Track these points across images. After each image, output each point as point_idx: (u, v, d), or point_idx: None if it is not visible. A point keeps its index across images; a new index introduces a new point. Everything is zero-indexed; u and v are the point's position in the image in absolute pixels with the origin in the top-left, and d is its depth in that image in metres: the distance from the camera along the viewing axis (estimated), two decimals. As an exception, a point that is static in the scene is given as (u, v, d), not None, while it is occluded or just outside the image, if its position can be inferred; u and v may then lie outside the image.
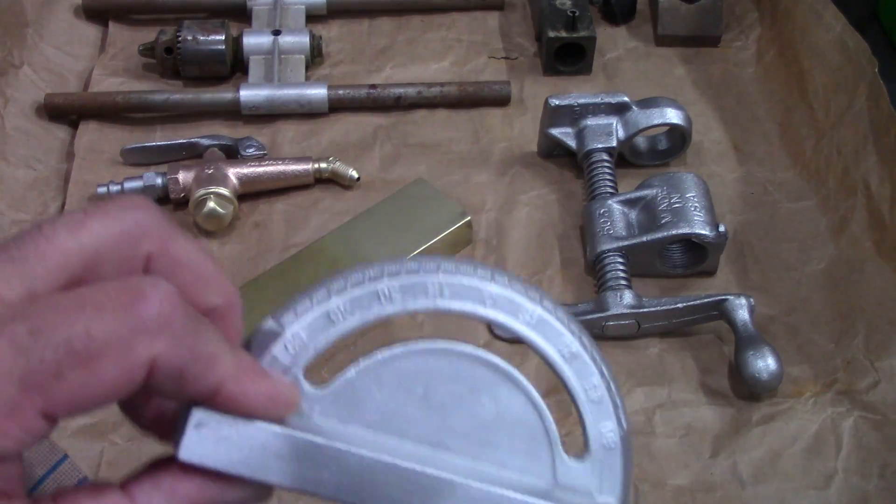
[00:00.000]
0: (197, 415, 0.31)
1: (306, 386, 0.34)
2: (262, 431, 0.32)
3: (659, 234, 0.60)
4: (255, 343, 0.34)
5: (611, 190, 0.65)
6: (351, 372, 0.34)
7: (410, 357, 0.35)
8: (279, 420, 0.32)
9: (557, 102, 0.67)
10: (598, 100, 0.67)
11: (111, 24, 0.80)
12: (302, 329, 0.34)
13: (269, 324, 0.34)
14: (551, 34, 0.75)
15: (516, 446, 0.36)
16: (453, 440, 0.36)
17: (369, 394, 0.35)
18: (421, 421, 0.35)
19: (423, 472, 0.33)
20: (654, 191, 0.62)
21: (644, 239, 0.60)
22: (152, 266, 0.30)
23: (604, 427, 0.36)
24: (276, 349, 0.34)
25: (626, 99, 0.67)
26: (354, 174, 0.68)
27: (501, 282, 0.35)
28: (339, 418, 0.35)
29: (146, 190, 0.65)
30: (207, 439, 0.31)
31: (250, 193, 0.67)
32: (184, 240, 0.31)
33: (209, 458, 0.31)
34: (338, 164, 0.68)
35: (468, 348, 0.35)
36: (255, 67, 0.75)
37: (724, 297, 0.57)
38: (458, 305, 0.34)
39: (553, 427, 0.36)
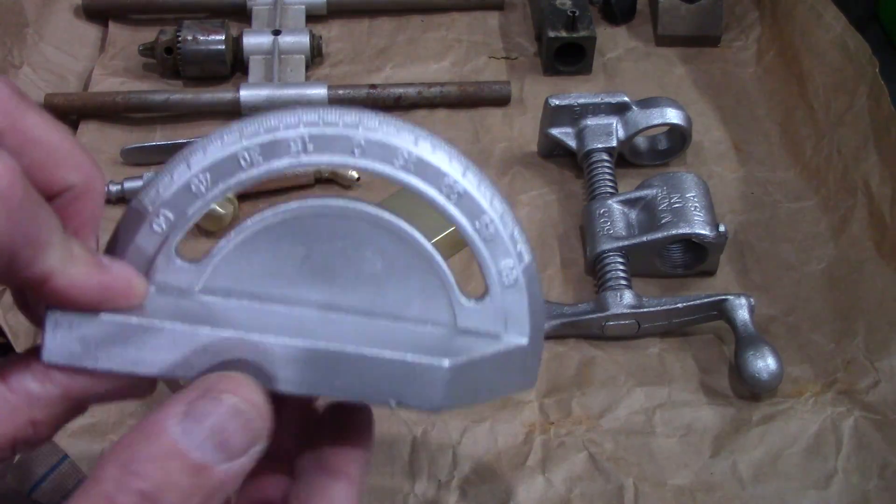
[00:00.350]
0: (53, 316, 0.30)
1: (180, 263, 0.33)
2: (113, 324, 0.31)
3: (659, 234, 0.60)
4: (122, 227, 0.33)
5: (611, 190, 0.65)
6: (225, 244, 0.33)
7: (285, 221, 0.34)
8: (131, 308, 0.31)
9: (557, 102, 0.67)
10: (598, 100, 0.67)
11: (111, 24, 0.80)
12: (166, 207, 0.32)
13: (134, 204, 0.33)
14: (551, 34, 0.75)
15: (410, 296, 0.35)
16: (343, 299, 0.34)
17: (248, 263, 0.34)
18: (306, 284, 0.34)
19: (299, 345, 0.32)
20: (654, 191, 0.62)
21: (644, 239, 0.60)
22: (1, 141, 0.29)
23: (502, 264, 0.34)
24: (142, 232, 0.33)
25: (626, 99, 0.67)
26: (354, 174, 0.68)
27: (370, 126, 0.33)
28: (220, 293, 0.34)
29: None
30: (66, 339, 0.30)
31: (250, 193, 0.67)
32: (36, 114, 0.30)
33: (70, 357, 0.30)
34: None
35: (342, 202, 0.34)
36: (255, 67, 0.75)
37: (724, 297, 0.57)
38: (326, 158, 0.33)
39: (446, 272, 0.35)
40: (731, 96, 0.76)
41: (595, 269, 0.61)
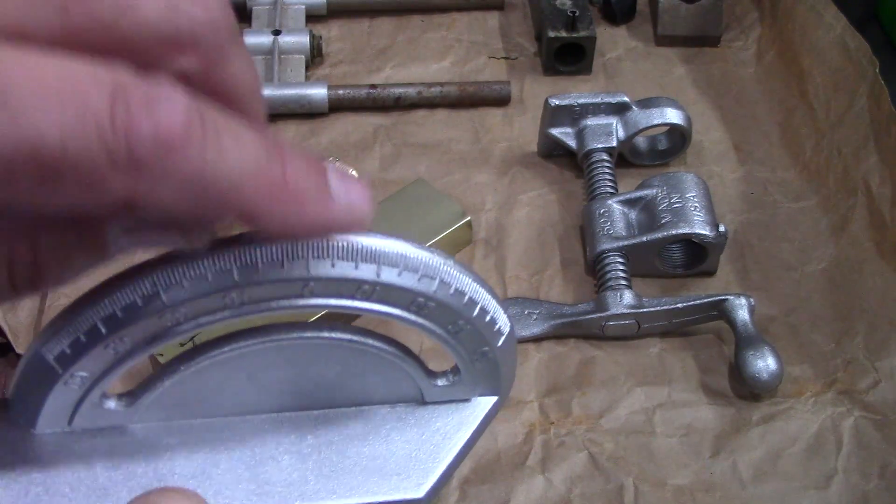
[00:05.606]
0: None
1: (112, 406, 0.30)
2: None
3: (659, 234, 0.60)
4: (25, 378, 0.29)
5: (611, 190, 0.65)
6: (162, 384, 0.31)
7: (218, 352, 0.30)
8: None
9: (557, 102, 0.67)
10: (598, 100, 0.67)
11: (111, 24, 0.80)
12: (81, 369, 0.28)
13: (34, 356, 0.28)
14: (551, 34, 0.75)
15: (372, 387, 0.33)
16: (299, 399, 0.32)
17: (185, 393, 0.31)
18: (254, 396, 0.32)
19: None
20: (654, 191, 0.62)
21: (644, 239, 0.60)
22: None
23: (475, 351, 0.32)
24: (55, 390, 0.29)
25: (626, 99, 0.67)
26: (354, 174, 0.68)
27: (321, 267, 0.28)
28: (158, 418, 0.31)
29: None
30: None
31: (250, 193, 0.67)
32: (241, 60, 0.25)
33: None
34: (338, 164, 0.68)
35: (286, 336, 0.30)
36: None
37: (724, 297, 0.57)
38: (272, 305, 0.28)
39: (412, 363, 0.33)
40: (731, 96, 0.76)
41: (595, 269, 0.61)
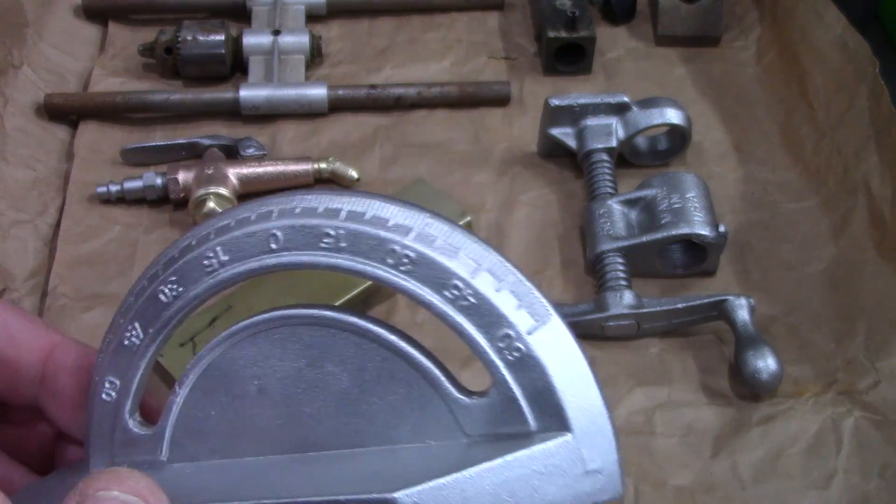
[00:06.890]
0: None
1: (136, 431, 0.29)
2: None
3: (659, 235, 0.60)
4: (89, 400, 0.29)
5: (611, 190, 0.65)
6: (176, 399, 0.29)
7: (224, 353, 0.28)
8: None
9: (557, 102, 0.67)
10: (598, 100, 0.67)
11: (111, 24, 0.80)
12: (109, 372, 0.28)
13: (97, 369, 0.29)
14: (551, 34, 0.75)
15: (396, 410, 0.27)
16: (318, 433, 0.28)
17: (205, 415, 0.29)
18: (272, 425, 0.28)
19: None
20: (654, 191, 0.62)
21: (644, 239, 0.60)
22: None
23: (498, 335, 0.25)
24: (96, 405, 0.29)
25: (626, 99, 0.67)
26: (354, 174, 0.68)
27: (355, 215, 0.27)
28: (189, 456, 0.29)
29: (146, 190, 0.65)
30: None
31: (250, 193, 0.67)
32: None
33: None
34: (338, 164, 0.68)
35: (276, 313, 0.28)
36: (255, 67, 0.75)
37: (724, 298, 0.57)
38: (296, 258, 0.27)
39: (429, 366, 0.27)
40: (731, 96, 0.76)
41: (595, 269, 0.61)
